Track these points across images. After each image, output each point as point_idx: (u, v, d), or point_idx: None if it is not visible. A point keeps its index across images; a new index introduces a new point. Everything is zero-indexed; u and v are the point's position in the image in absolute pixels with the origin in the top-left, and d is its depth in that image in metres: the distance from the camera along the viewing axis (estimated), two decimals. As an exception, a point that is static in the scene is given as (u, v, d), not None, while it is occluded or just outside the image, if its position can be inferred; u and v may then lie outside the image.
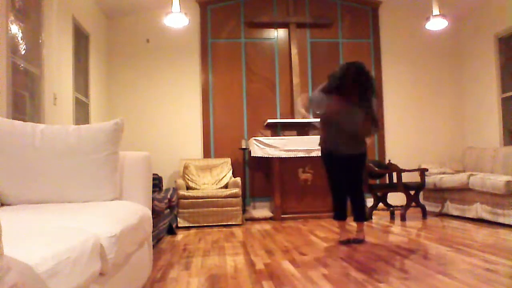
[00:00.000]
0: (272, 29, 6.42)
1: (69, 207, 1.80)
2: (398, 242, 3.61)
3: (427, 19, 5.51)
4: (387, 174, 5.51)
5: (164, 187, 5.59)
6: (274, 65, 6.37)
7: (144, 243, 2.08)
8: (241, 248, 3.59)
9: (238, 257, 3.18)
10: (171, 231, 4.52)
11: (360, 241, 3.55)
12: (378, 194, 5.47)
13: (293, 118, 6.21)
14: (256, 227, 4.97)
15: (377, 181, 5.93)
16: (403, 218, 5.01)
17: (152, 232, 2.55)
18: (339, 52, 6.47)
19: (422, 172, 5.29)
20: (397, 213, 5.33)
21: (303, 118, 5.88)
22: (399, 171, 5.17)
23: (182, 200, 5.09)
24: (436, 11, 5.40)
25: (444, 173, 5.71)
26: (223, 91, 6.26)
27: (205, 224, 5.11)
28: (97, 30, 5.65)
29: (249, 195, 6.09)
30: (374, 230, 4.41)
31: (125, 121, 2.21)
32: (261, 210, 5.92)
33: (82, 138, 2.06)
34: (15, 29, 3.43)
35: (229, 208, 5.16)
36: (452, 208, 5.24)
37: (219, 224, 5.13)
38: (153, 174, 3.92)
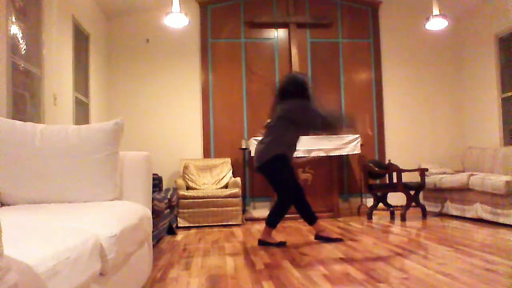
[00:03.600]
0: (272, 29, 6.42)
1: (69, 207, 1.80)
2: (398, 242, 3.61)
3: (427, 19, 5.51)
4: (387, 174, 5.51)
5: (164, 187, 5.59)
6: (274, 65, 6.37)
7: (144, 243, 2.08)
8: (241, 248, 3.59)
9: (238, 257, 3.18)
10: (171, 231, 4.52)
11: (261, 242, 3.64)
12: (378, 194, 5.47)
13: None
14: (256, 227, 4.97)
15: (377, 181, 5.93)
16: (403, 218, 5.01)
17: (152, 232, 2.55)
18: (339, 52, 6.47)
19: (422, 172, 5.29)
20: (397, 213, 5.33)
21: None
22: (399, 171, 5.17)
23: (182, 200, 5.09)
24: (436, 11, 5.40)
25: (444, 173, 5.71)
26: (223, 91, 6.26)
27: (205, 224, 5.11)
28: (97, 30, 5.65)
29: (249, 195, 6.09)
30: (374, 230, 4.41)
31: (125, 121, 2.21)
32: (261, 210, 5.92)
33: (82, 138, 2.06)
34: (15, 29, 3.43)
35: (229, 208, 5.16)
36: (452, 208, 5.24)
37: (219, 224, 5.13)
38: (153, 174, 3.93)
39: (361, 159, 5.98)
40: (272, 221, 3.67)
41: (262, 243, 3.64)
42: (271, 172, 3.70)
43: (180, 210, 5.09)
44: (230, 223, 5.15)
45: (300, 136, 3.82)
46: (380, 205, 5.52)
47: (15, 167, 1.96)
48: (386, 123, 6.43)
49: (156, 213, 3.49)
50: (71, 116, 4.59)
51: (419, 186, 5.24)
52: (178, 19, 5.26)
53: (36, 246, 1.01)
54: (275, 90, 3.88)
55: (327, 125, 3.71)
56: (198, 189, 5.41)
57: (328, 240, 3.68)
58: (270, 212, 3.75)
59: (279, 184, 3.71)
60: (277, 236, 3.93)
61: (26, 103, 3.64)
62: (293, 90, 3.70)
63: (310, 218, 3.74)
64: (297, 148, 3.85)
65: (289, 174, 3.70)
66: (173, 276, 2.63)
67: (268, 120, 3.92)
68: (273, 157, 3.62)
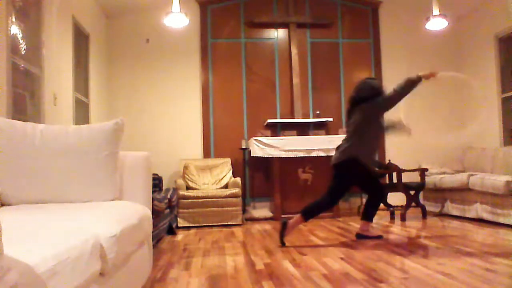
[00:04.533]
0: (272, 29, 6.42)
1: (69, 207, 1.80)
2: (398, 242, 3.61)
3: (427, 19, 5.51)
4: (387, 174, 5.51)
5: (164, 187, 5.59)
6: (274, 65, 6.37)
7: (144, 243, 2.08)
8: (241, 248, 3.59)
9: (238, 257, 3.18)
10: (171, 231, 4.52)
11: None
12: (378, 194, 5.46)
13: (293, 118, 6.21)
14: (256, 227, 4.97)
15: (377, 181, 5.91)
16: (403, 218, 5.01)
17: (152, 232, 2.55)
18: (339, 52, 6.47)
19: (422, 172, 5.29)
20: (397, 213, 5.33)
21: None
22: (399, 171, 5.17)
23: (182, 200, 5.09)
24: (436, 11, 5.40)
25: (444, 173, 5.71)
26: (223, 91, 6.26)
27: (205, 224, 5.11)
28: (97, 30, 5.65)
29: (249, 195, 6.09)
30: (374, 230, 4.40)
31: (125, 121, 2.21)
32: (261, 210, 5.92)
33: (82, 138, 2.06)
34: (15, 29, 3.43)
35: (229, 208, 5.16)
36: (452, 208, 5.23)
37: (219, 224, 5.13)
38: (153, 174, 3.93)
39: (361, 159, 5.96)
40: (368, 215, 3.87)
41: (360, 236, 3.82)
42: (345, 174, 3.81)
43: (180, 210, 5.09)
44: (230, 223, 5.14)
45: (378, 138, 3.95)
46: (380, 205, 5.51)
47: (15, 167, 1.96)
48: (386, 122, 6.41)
49: (156, 213, 3.49)
50: (71, 116, 4.59)
51: (419, 186, 5.24)
52: (178, 19, 5.26)
53: (36, 246, 1.01)
54: (351, 98, 3.90)
55: (396, 95, 3.79)
56: (198, 189, 5.41)
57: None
58: (364, 207, 3.94)
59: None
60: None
61: (26, 103, 3.64)
62: (368, 96, 3.75)
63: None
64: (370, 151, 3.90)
65: (351, 181, 3.87)
66: (173, 276, 2.63)
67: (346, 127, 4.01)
68: (348, 160, 3.71)
